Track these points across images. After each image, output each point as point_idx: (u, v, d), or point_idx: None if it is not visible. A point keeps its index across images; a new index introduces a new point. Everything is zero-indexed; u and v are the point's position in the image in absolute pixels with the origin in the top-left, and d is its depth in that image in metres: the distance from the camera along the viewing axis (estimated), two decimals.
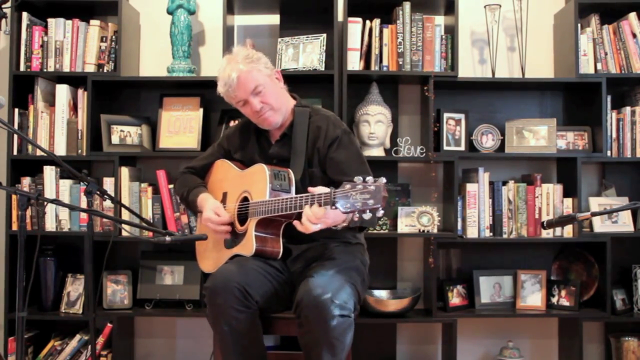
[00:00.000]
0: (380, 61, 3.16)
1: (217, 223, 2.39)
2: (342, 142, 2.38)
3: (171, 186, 3.12)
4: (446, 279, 3.28)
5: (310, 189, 2.11)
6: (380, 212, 1.89)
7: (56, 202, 2.21)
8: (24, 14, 3.17)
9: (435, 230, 3.12)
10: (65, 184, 3.14)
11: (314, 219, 2.06)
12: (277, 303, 2.35)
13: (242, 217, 2.39)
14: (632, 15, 3.17)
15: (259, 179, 2.32)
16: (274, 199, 2.22)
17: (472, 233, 3.14)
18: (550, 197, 3.17)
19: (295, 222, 2.14)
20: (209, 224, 2.40)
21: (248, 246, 2.31)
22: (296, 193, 2.28)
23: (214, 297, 2.19)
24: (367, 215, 1.89)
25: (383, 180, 1.91)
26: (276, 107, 2.38)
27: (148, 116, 3.33)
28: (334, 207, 1.93)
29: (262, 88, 2.34)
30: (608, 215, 3.21)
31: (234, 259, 2.36)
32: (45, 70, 3.18)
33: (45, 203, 2.18)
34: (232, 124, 3.14)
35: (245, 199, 2.40)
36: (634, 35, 3.17)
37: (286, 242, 2.35)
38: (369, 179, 1.91)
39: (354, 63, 3.14)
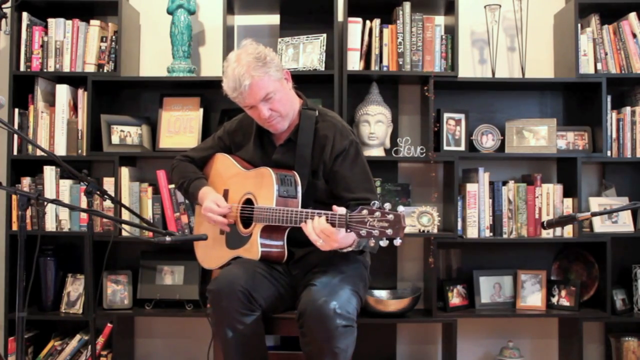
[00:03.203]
0: (380, 61, 3.16)
1: (216, 213, 2.37)
2: (348, 155, 2.33)
3: (171, 186, 3.12)
4: (446, 279, 3.28)
5: (334, 207, 2.06)
6: (398, 242, 1.91)
7: (56, 202, 2.20)
8: (24, 14, 3.17)
9: (435, 230, 3.12)
10: (65, 184, 3.15)
11: (318, 231, 2.06)
12: (280, 306, 2.34)
13: (245, 219, 2.38)
14: (632, 15, 3.17)
15: (265, 184, 2.29)
16: (282, 208, 2.20)
17: (472, 233, 3.14)
18: (550, 197, 3.17)
19: (302, 225, 2.13)
20: (208, 213, 2.38)
21: (253, 251, 2.29)
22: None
23: (218, 300, 2.18)
24: (384, 243, 1.91)
25: (402, 209, 1.92)
26: (284, 113, 2.32)
27: (148, 116, 3.33)
28: (348, 231, 1.95)
29: (272, 95, 2.26)
30: (608, 215, 3.22)
31: (237, 260, 2.35)
32: (45, 70, 3.18)
33: (45, 203, 2.18)
34: None
35: (249, 201, 2.38)
36: (634, 35, 3.17)
37: (288, 245, 2.33)
38: (387, 205, 1.92)
39: (354, 63, 3.14)
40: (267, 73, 2.24)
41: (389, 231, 1.90)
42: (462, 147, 3.22)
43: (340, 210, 2.03)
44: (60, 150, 3.15)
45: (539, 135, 3.20)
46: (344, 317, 2.08)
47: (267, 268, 2.30)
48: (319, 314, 2.07)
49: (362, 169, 2.36)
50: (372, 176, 2.39)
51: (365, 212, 1.93)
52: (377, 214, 1.92)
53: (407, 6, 3.14)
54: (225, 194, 2.49)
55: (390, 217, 1.91)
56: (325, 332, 2.07)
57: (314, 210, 2.12)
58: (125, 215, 3.07)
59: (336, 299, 2.09)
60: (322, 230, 2.05)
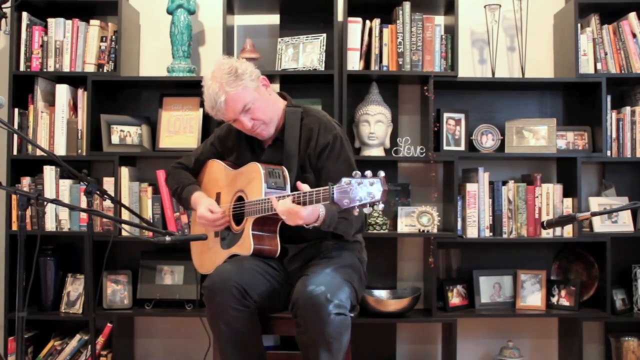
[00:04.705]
0: (380, 61, 3.16)
1: (211, 220, 2.39)
2: (333, 149, 2.34)
3: None
4: (446, 278, 3.28)
5: (298, 184, 2.11)
6: (381, 206, 1.92)
7: (56, 202, 2.21)
8: (24, 14, 3.17)
9: (435, 230, 3.12)
10: (65, 183, 3.14)
11: (283, 209, 2.10)
12: (275, 302, 2.35)
13: (238, 217, 2.39)
14: (632, 15, 3.17)
15: (254, 178, 2.31)
16: (270, 197, 2.20)
17: (472, 233, 3.14)
18: (550, 197, 3.17)
19: (272, 201, 2.16)
20: (202, 221, 2.40)
21: (246, 246, 2.30)
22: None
23: (212, 297, 2.20)
24: (367, 210, 1.92)
25: (382, 174, 1.93)
26: (267, 120, 2.35)
27: (148, 116, 3.33)
28: (334, 203, 1.95)
29: (250, 105, 2.29)
30: (608, 215, 3.22)
31: (231, 258, 2.36)
32: (45, 70, 3.18)
33: (45, 203, 2.18)
34: None
35: (240, 199, 2.39)
36: (634, 35, 3.17)
37: (283, 241, 2.34)
38: (368, 172, 1.92)
39: (354, 63, 3.14)
40: (240, 85, 2.28)
41: (371, 196, 1.90)
42: (462, 147, 3.22)
43: (305, 187, 2.09)
44: (60, 150, 3.15)
45: (538, 135, 3.20)
46: (336, 305, 2.09)
47: (261, 264, 2.31)
48: (310, 301, 2.08)
49: (347, 164, 2.36)
50: (356, 167, 2.37)
51: (347, 180, 1.93)
52: (358, 180, 1.91)
53: (407, 6, 3.14)
54: (218, 197, 2.51)
55: (371, 180, 1.90)
56: (318, 321, 2.07)
57: (301, 191, 2.11)
58: (125, 215, 3.07)
59: (327, 286, 2.10)
60: (288, 210, 2.09)
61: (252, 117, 2.31)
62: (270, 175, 2.29)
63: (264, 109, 2.33)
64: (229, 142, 2.55)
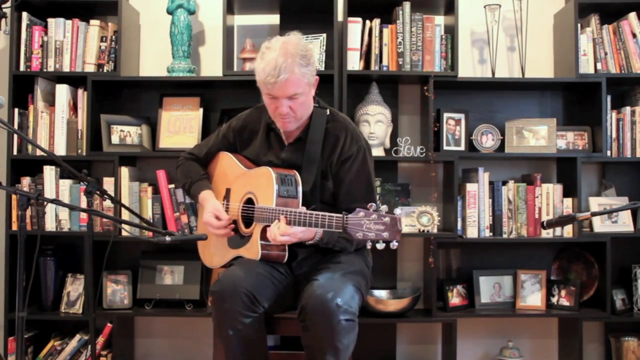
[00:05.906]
0: (380, 61, 3.16)
1: (216, 227, 2.37)
2: (355, 161, 2.32)
3: (171, 186, 3.12)
4: (446, 278, 3.28)
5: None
6: (395, 245, 1.93)
7: (56, 202, 2.20)
8: (24, 14, 3.17)
9: (435, 230, 3.12)
10: (65, 183, 3.14)
11: (273, 236, 2.16)
12: (282, 306, 2.34)
13: (247, 218, 2.38)
14: (632, 15, 3.18)
15: (265, 184, 2.29)
16: (281, 209, 2.19)
17: (472, 233, 3.14)
18: (550, 197, 3.17)
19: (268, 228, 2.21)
20: (209, 227, 2.39)
21: (253, 251, 2.29)
22: (304, 203, 2.27)
23: (221, 302, 2.17)
24: (380, 246, 1.92)
25: (398, 212, 1.93)
26: (299, 116, 2.30)
27: (148, 116, 3.33)
28: (346, 233, 1.97)
29: (299, 96, 2.24)
30: (608, 215, 3.22)
31: (239, 261, 2.35)
32: (45, 70, 3.18)
33: (45, 203, 2.18)
34: None
35: (250, 201, 2.38)
36: (634, 35, 3.17)
37: (291, 245, 2.31)
38: (384, 208, 1.92)
39: (354, 63, 3.14)
40: (305, 74, 2.23)
41: (385, 234, 1.91)
42: (462, 147, 3.22)
43: (302, 208, 2.13)
44: (60, 150, 3.15)
45: (538, 135, 3.21)
46: (347, 312, 2.08)
47: (268, 269, 2.30)
48: (322, 308, 2.06)
49: (367, 180, 2.35)
50: (375, 185, 2.39)
51: (362, 214, 1.94)
52: (374, 216, 1.92)
53: (407, 6, 3.14)
54: (228, 193, 2.49)
55: (387, 219, 1.91)
56: (328, 326, 2.06)
57: (314, 212, 2.11)
58: (125, 215, 3.07)
59: (339, 294, 2.09)
60: (282, 234, 2.15)
61: (291, 106, 2.25)
62: (282, 183, 2.26)
63: (304, 105, 2.30)
64: (245, 135, 2.51)
